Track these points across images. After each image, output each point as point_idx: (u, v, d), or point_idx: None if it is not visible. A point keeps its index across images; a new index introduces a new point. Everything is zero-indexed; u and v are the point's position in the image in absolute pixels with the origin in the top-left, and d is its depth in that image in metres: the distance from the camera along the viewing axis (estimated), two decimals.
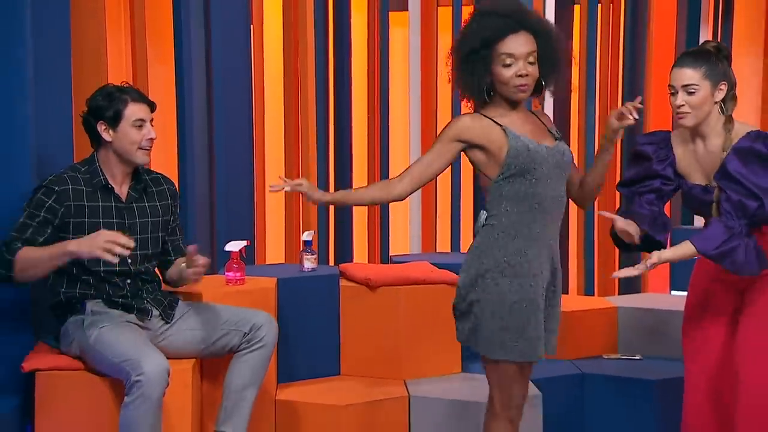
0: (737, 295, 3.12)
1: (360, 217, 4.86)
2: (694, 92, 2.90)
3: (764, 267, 2.91)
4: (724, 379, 3.18)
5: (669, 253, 2.88)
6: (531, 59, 2.61)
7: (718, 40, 4.95)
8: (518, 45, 2.59)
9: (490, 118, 2.65)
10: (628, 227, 2.87)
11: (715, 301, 3.15)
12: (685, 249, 2.86)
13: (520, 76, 2.59)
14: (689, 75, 2.90)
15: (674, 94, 2.92)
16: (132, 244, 2.68)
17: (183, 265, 2.93)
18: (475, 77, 2.64)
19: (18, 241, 2.80)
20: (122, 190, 2.97)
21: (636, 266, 2.83)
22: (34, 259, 2.77)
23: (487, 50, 2.60)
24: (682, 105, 2.90)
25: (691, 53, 2.99)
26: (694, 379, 3.21)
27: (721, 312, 3.15)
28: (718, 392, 3.18)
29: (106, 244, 2.63)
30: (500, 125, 2.64)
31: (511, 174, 2.62)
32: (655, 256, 2.83)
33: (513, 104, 2.67)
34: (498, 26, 2.60)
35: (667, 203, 3.12)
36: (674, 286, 4.47)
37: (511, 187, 2.63)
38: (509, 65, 2.59)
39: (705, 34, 4.95)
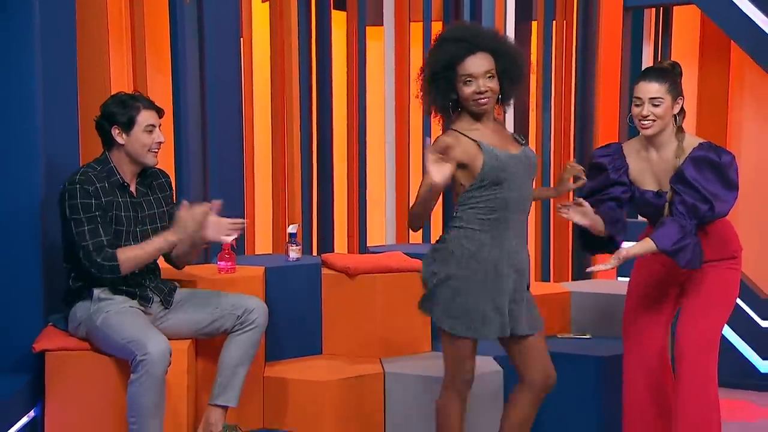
0: (677, 287, 3.17)
1: (340, 211, 4.88)
2: (659, 104, 2.93)
3: (702, 263, 2.97)
4: (661, 363, 3.25)
5: (634, 249, 2.90)
6: (489, 75, 2.64)
7: (659, 55, 5.01)
8: (475, 65, 2.63)
9: (463, 133, 2.67)
10: (597, 224, 2.92)
11: (656, 293, 3.19)
12: (646, 245, 2.90)
13: (479, 93, 2.63)
14: (656, 89, 2.93)
15: (640, 105, 2.95)
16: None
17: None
18: (440, 96, 2.69)
19: (103, 245, 2.80)
20: (132, 186, 2.97)
21: (609, 262, 2.86)
22: (139, 259, 2.85)
23: (450, 72, 2.64)
24: (648, 115, 2.93)
25: (656, 69, 3.01)
26: (632, 362, 3.27)
27: (662, 302, 3.20)
28: (655, 374, 3.24)
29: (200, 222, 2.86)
30: (474, 140, 2.66)
31: (484, 184, 2.65)
32: (624, 251, 2.87)
33: (478, 116, 2.69)
34: (457, 50, 2.63)
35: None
36: (620, 273, 4.52)
37: (482, 195, 2.66)
38: (470, 83, 2.63)
39: (647, 50, 5.00)
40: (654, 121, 2.93)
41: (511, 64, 2.69)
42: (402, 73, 4.93)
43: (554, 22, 5.07)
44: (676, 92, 2.96)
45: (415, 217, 2.67)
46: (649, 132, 2.96)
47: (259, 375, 3.35)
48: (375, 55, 4.94)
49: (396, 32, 4.94)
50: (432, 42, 2.76)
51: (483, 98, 2.64)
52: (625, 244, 3.02)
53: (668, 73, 2.97)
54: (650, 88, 2.92)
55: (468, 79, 2.63)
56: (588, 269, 2.90)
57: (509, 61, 2.68)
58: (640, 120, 2.95)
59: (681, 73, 3.04)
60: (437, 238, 2.76)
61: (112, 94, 3.09)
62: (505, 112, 2.92)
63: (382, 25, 4.96)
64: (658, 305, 3.20)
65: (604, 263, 2.87)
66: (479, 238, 2.66)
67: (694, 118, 4.98)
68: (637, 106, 2.95)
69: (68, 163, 3.13)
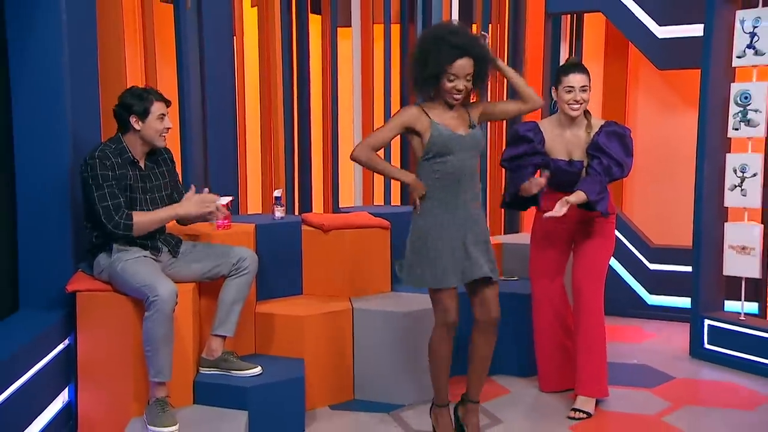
0: (569, 237, 3.26)
1: (317, 179, 4.89)
2: (586, 90, 3.00)
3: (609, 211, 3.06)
4: (561, 295, 3.35)
5: (573, 198, 2.95)
6: (468, 78, 2.65)
7: (573, 54, 5.07)
8: (461, 68, 2.63)
9: (425, 111, 2.70)
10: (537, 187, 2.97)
11: (554, 242, 3.28)
12: (580, 195, 2.96)
13: (457, 90, 2.64)
14: (584, 78, 3.01)
15: (572, 91, 2.99)
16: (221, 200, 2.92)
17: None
18: (427, 85, 2.68)
19: (120, 207, 2.77)
20: (142, 162, 2.96)
21: (555, 210, 2.90)
22: (150, 223, 2.83)
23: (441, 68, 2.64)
24: (579, 100, 3.00)
25: (577, 64, 3.07)
26: (538, 296, 3.36)
27: (559, 249, 3.29)
28: (556, 304, 3.35)
29: (209, 206, 2.86)
30: (429, 117, 2.68)
31: (431, 156, 2.68)
32: (565, 200, 2.93)
33: (447, 102, 2.70)
34: (452, 55, 2.61)
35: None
36: None
37: (431, 165, 2.69)
38: (452, 80, 2.63)
39: (564, 48, 5.05)
40: (581, 104, 3.00)
41: (485, 68, 2.70)
42: (367, 66, 4.92)
43: (490, 24, 5.09)
44: (589, 82, 3.04)
45: None
46: (577, 113, 3.02)
47: (251, 311, 3.37)
48: (345, 52, 4.92)
49: (362, 33, 4.92)
50: (419, 41, 2.70)
51: (458, 95, 2.66)
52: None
53: (583, 67, 3.06)
54: (580, 78, 2.99)
55: (452, 77, 2.63)
56: (545, 215, 2.96)
57: (484, 65, 2.69)
58: (571, 104, 3.00)
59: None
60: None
61: (127, 86, 3.05)
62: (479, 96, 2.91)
63: (350, 26, 4.94)
64: (556, 252, 3.29)
65: (552, 211, 2.91)
66: (434, 204, 2.73)
67: (600, 104, 5.06)
68: (569, 92, 2.99)
69: (91, 140, 3.11)
